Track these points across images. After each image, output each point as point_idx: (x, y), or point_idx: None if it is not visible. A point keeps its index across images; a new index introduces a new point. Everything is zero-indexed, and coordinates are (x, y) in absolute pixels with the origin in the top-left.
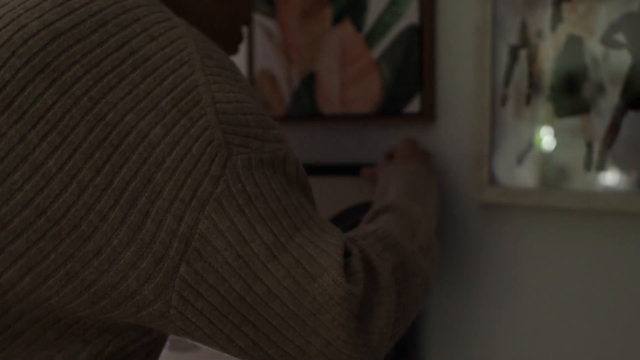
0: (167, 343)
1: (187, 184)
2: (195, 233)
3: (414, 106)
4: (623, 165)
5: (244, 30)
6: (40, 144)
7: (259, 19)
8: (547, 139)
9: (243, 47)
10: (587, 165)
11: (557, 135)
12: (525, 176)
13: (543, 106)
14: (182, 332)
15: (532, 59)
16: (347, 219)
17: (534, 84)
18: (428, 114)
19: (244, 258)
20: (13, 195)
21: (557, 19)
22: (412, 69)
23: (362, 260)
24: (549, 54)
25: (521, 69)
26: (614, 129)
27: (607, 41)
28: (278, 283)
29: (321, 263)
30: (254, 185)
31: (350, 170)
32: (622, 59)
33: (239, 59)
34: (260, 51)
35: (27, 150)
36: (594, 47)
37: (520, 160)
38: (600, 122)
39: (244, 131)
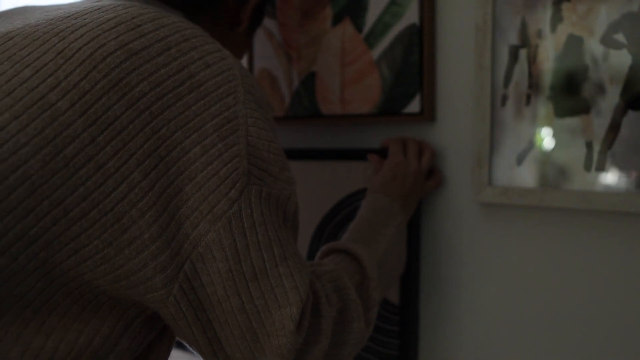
0: None
1: (208, 199)
2: (203, 241)
3: (414, 106)
4: (623, 165)
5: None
6: (106, 147)
7: None
8: (547, 139)
9: None
10: (587, 165)
11: (557, 135)
12: (525, 176)
13: (543, 106)
14: (170, 317)
15: (532, 59)
16: (350, 204)
17: (534, 84)
18: (428, 114)
19: (233, 272)
20: (77, 188)
21: (557, 19)
22: (412, 69)
23: (312, 307)
24: (549, 54)
25: (521, 69)
26: (614, 129)
27: (607, 41)
28: (251, 301)
29: (290, 297)
30: (260, 214)
31: (354, 154)
32: (622, 59)
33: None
34: (260, 51)
35: (95, 151)
36: (594, 47)
37: (520, 160)
38: (600, 122)
39: (264, 166)
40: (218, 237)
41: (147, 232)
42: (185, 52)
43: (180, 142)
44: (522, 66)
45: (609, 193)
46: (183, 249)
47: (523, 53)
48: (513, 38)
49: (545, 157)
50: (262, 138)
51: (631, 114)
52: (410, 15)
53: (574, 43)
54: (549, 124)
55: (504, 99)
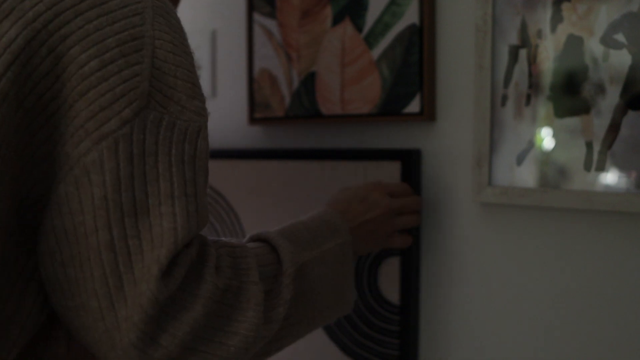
0: None
1: (97, 116)
2: (81, 161)
3: (414, 106)
4: (623, 165)
5: None
6: (6, 73)
7: (259, 19)
8: (547, 139)
9: (243, 47)
10: (587, 165)
11: (557, 135)
12: (525, 176)
13: (543, 106)
14: (42, 239)
15: (532, 59)
16: None
17: (534, 84)
18: (428, 114)
19: (109, 201)
20: None
21: (557, 19)
22: (412, 69)
23: (195, 262)
24: (549, 54)
25: (521, 69)
26: (614, 129)
27: (607, 41)
28: (123, 238)
29: (164, 239)
30: (153, 143)
31: (354, 154)
32: (622, 59)
33: (240, 59)
34: (260, 51)
35: None
36: (594, 47)
37: (520, 160)
38: (600, 122)
39: (169, 92)
40: (100, 158)
41: (38, 151)
42: None
43: (77, 57)
44: (522, 66)
45: (609, 193)
46: (60, 170)
47: (523, 53)
48: (513, 38)
49: (545, 157)
50: (170, 62)
51: (631, 114)
52: (410, 15)
53: (574, 43)
54: (549, 124)
55: (504, 99)
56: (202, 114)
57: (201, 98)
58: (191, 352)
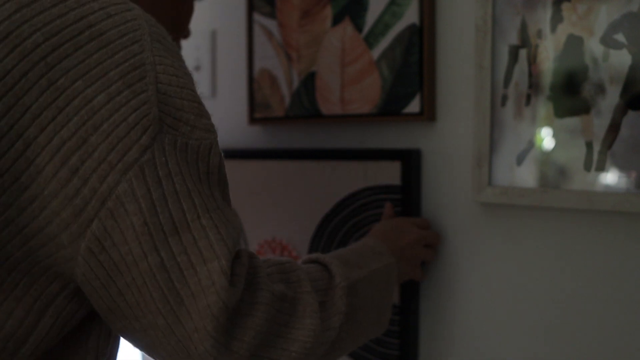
0: None
1: (117, 148)
2: (113, 194)
3: (414, 106)
4: (623, 165)
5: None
6: None
7: (259, 19)
8: (547, 139)
9: (243, 47)
10: (587, 165)
11: (557, 135)
12: (525, 176)
13: (543, 106)
14: (83, 278)
15: (532, 59)
16: (350, 204)
17: (534, 84)
18: (428, 114)
19: (149, 226)
20: None
21: (557, 19)
22: (412, 69)
23: (248, 272)
24: (549, 54)
25: (521, 69)
26: (614, 129)
27: (607, 41)
28: (172, 257)
29: (216, 250)
30: (175, 163)
31: (354, 154)
32: (622, 59)
33: (240, 59)
34: (260, 51)
35: None
36: (594, 47)
37: (520, 160)
38: (600, 122)
39: (178, 114)
40: (130, 187)
41: (47, 189)
42: (85, 3)
43: (82, 91)
44: (522, 66)
45: (609, 193)
46: (90, 206)
47: (523, 53)
48: (513, 38)
49: (545, 157)
50: (174, 85)
51: (631, 114)
52: (410, 15)
53: (574, 43)
54: (549, 124)
55: (504, 99)
56: (211, 130)
57: (208, 116)
58: (257, 359)
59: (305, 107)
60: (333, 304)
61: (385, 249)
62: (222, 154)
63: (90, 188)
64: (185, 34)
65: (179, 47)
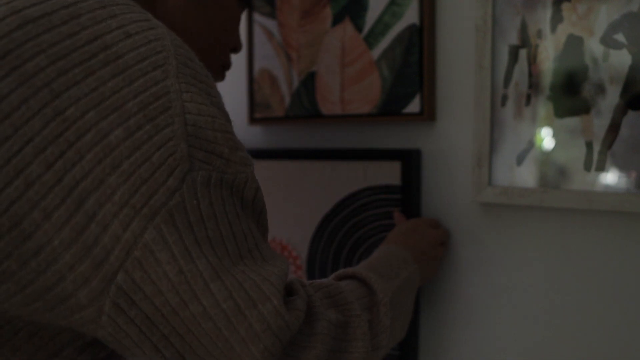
0: None
1: (141, 190)
2: (140, 242)
3: (414, 106)
4: (623, 165)
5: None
6: None
7: (259, 19)
8: (547, 139)
9: (243, 47)
10: (587, 165)
11: (557, 135)
12: (525, 176)
13: (543, 106)
14: (110, 339)
15: (532, 59)
16: (350, 204)
17: (534, 84)
18: (428, 114)
19: (186, 274)
20: None
21: (557, 19)
22: (412, 69)
23: (307, 304)
24: (549, 54)
25: (521, 69)
26: (614, 129)
27: (607, 41)
28: (217, 304)
29: (264, 290)
30: (208, 205)
31: (354, 154)
32: (622, 59)
33: (240, 59)
34: (260, 51)
35: None
36: (594, 47)
37: (520, 160)
38: (600, 122)
39: (210, 147)
40: (160, 234)
41: (57, 238)
42: (100, 21)
43: (96, 124)
44: (522, 66)
45: (609, 193)
46: (112, 256)
47: (523, 53)
48: (513, 38)
49: (545, 157)
50: (204, 114)
51: (631, 114)
52: (410, 15)
53: (574, 43)
54: (549, 124)
55: (504, 99)
56: (248, 163)
57: (242, 147)
58: None
59: (305, 107)
60: (379, 321)
61: (409, 255)
62: (259, 186)
63: (112, 235)
64: (237, 46)
65: (229, 63)
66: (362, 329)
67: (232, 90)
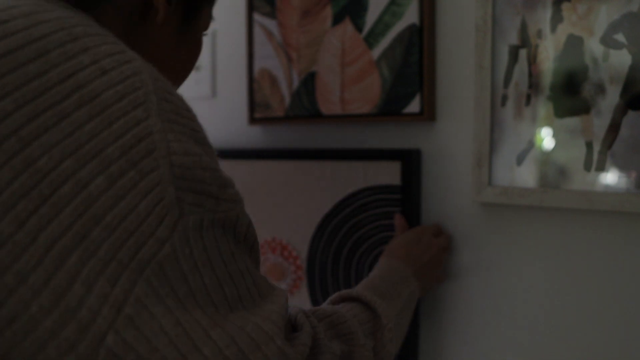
0: None
1: (128, 243)
2: (130, 298)
3: (414, 106)
4: (623, 165)
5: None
6: None
7: (259, 19)
8: (547, 139)
9: (243, 47)
10: (587, 165)
11: (557, 135)
12: (525, 176)
13: (543, 106)
14: None
15: (532, 59)
16: (350, 204)
17: (534, 84)
18: (428, 114)
19: (184, 325)
20: None
21: (557, 19)
22: (412, 69)
23: (312, 337)
24: (549, 54)
25: (521, 69)
26: (614, 129)
27: (607, 41)
28: (219, 352)
29: (267, 330)
30: (202, 251)
31: (354, 154)
32: (622, 59)
33: (240, 59)
34: (260, 51)
35: None
36: (594, 47)
37: (520, 160)
38: (600, 122)
39: (200, 188)
40: (151, 287)
41: (35, 304)
42: (72, 56)
43: (73, 174)
44: (522, 66)
45: (609, 193)
46: (100, 317)
47: (523, 53)
48: (513, 38)
49: (545, 157)
50: (191, 153)
51: (631, 114)
52: (410, 15)
53: (574, 43)
54: (549, 124)
55: (504, 99)
56: (237, 199)
57: (231, 183)
58: None
59: (305, 107)
60: (383, 346)
61: (410, 272)
62: (250, 221)
63: (99, 294)
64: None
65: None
66: (367, 359)
67: (232, 90)
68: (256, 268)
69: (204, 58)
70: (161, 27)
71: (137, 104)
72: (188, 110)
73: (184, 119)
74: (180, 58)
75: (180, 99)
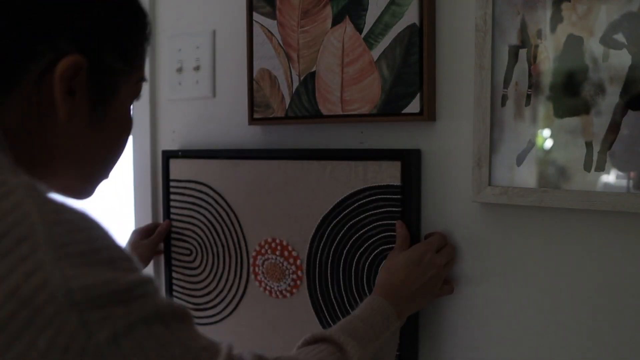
0: None
1: None
2: None
3: (414, 106)
4: (623, 166)
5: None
6: None
7: (259, 19)
8: (547, 139)
9: (243, 47)
10: (587, 166)
11: (557, 135)
12: (525, 176)
13: (543, 106)
14: None
15: (532, 59)
16: (350, 204)
17: (534, 84)
18: (428, 114)
19: None
20: None
21: (557, 19)
22: (412, 69)
23: None
24: (549, 54)
25: (521, 69)
26: (613, 129)
27: (607, 41)
28: None
29: None
30: (123, 359)
31: (354, 154)
32: (622, 59)
33: (240, 59)
34: (260, 51)
35: None
36: (593, 47)
37: (520, 160)
38: (600, 122)
39: (105, 302)
40: None
41: None
42: None
43: None
44: (522, 66)
45: (609, 193)
46: None
47: (523, 53)
48: (513, 38)
49: (545, 157)
50: (91, 274)
51: (631, 114)
52: (410, 15)
53: (574, 43)
54: (549, 124)
55: (504, 99)
56: (148, 292)
57: (135, 268)
58: None
59: (305, 107)
60: None
61: (393, 312)
62: (164, 297)
63: None
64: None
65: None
66: None
67: (232, 90)
68: (194, 330)
69: (203, 58)
70: (70, 121)
71: (20, 240)
72: (83, 219)
73: (80, 236)
74: (104, 144)
75: (75, 214)
